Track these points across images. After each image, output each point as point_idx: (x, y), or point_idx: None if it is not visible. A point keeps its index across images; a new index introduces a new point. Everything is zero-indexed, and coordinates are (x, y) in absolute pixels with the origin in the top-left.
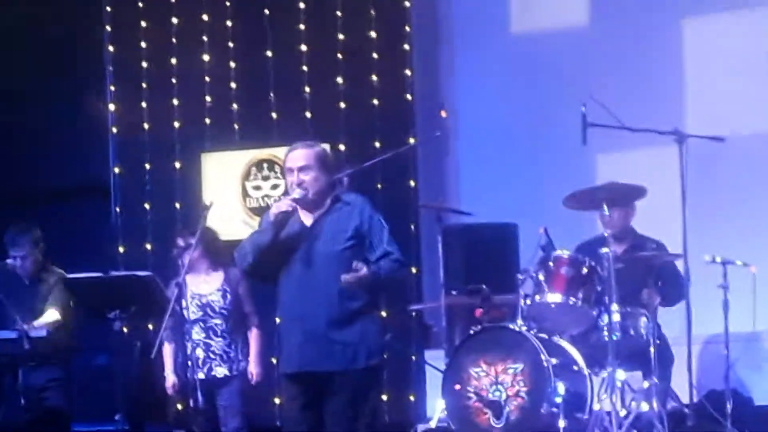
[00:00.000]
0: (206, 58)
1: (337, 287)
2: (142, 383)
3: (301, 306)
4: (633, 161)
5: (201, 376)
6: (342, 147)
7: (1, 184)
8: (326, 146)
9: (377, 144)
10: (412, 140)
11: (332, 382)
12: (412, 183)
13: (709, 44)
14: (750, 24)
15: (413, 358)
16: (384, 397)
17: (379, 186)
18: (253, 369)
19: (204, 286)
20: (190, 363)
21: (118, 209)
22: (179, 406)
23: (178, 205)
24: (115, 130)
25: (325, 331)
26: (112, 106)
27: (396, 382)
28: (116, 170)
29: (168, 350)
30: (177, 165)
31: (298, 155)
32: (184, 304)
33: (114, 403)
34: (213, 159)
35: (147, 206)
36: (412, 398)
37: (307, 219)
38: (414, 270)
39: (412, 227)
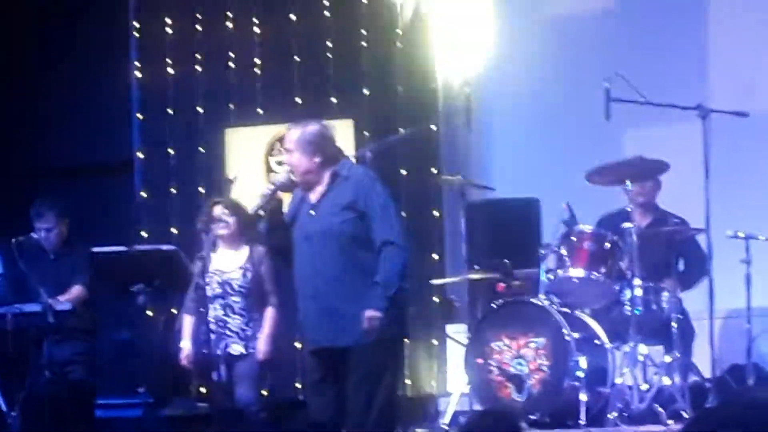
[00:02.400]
0: (231, 31)
1: (342, 263)
2: (165, 357)
3: (312, 284)
4: (657, 137)
5: (218, 352)
6: (365, 122)
7: (26, 159)
8: (345, 122)
9: (400, 119)
10: (435, 117)
11: (349, 356)
12: (435, 158)
13: (733, 21)
14: None
15: (435, 332)
16: (406, 371)
17: (402, 161)
18: (261, 347)
19: (227, 263)
20: (213, 337)
21: (142, 185)
22: (201, 381)
23: (201, 180)
24: (139, 104)
25: (336, 307)
26: (136, 81)
27: (418, 356)
28: (140, 145)
29: (187, 322)
30: (201, 140)
31: (285, 138)
32: (207, 279)
33: (137, 377)
34: (237, 134)
35: (171, 181)
36: (434, 372)
37: (314, 197)
38: (437, 242)
39: (435, 202)
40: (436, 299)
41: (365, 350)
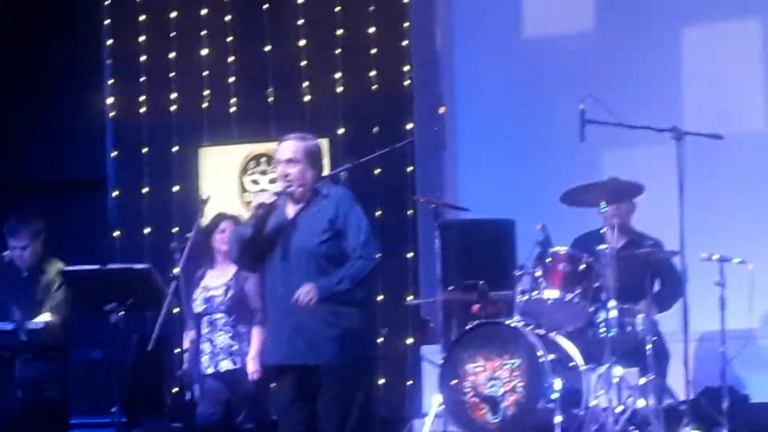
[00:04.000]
0: (205, 52)
1: (316, 281)
2: (139, 376)
3: (285, 300)
4: (633, 159)
5: (211, 370)
6: (339, 142)
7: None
8: (322, 141)
9: (375, 138)
10: (410, 137)
11: (320, 375)
12: (409, 178)
13: (707, 44)
14: (743, 30)
15: (409, 352)
16: (380, 392)
17: (376, 181)
18: (251, 367)
19: (214, 280)
20: (203, 354)
21: (115, 202)
22: (175, 398)
23: (175, 199)
24: (113, 122)
25: (310, 325)
26: (110, 99)
27: (392, 377)
28: (114, 162)
29: (187, 338)
30: (175, 159)
31: (287, 147)
32: (194, 296)
33: (111, 396)
34: (211, 153)
35: (144, 200)
36: (408, 393)
37: (291, 212)
38: (411, 263)
39: (409, 223)
40: (410, 320)
41: (337, 369)
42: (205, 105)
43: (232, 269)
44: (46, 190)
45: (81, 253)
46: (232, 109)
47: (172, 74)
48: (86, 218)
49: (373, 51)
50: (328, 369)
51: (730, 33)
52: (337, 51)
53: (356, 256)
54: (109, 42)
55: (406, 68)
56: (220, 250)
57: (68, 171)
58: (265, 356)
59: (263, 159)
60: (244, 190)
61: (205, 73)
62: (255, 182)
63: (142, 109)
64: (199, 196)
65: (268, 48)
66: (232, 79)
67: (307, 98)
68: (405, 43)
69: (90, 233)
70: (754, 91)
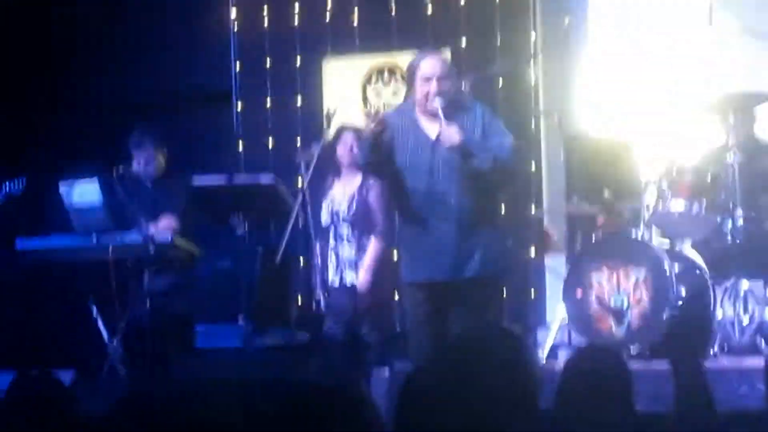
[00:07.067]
0: None
1: (463, 196)
2: (265, 288)
3: (428, 215)
4: None
5: (336, 283)
6: (462, 51)
7: (122, 90)
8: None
9: (498, 43)
10: (532, 48)
11: (458, 290)
12: (532, 88)
13: None
14: None
15: (533, 263)
16: (505, 303)
17: (498, 93)
18: (361, 276)
19: (340, 192)
20: (328, 266)
21: (239, 110)
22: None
23: (299, 111)
24: (237, 36)
25: (452, 241)
26: (233, 11)
27: (515, 287)
28: (238, 72)
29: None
30: (298, 71)
31: (437, 64)
32: (324, 207)
33: (237, 306)
34: (333, 65)
35: (268, 108)
36: (531, 304)
37: (430, 129)
38: (535, 175)
39: (533, 132)
40: (534, 231)
41: (474, 284)
42: (328, 16)
43: (357, 180)
44: (170, 104)
45: (207, 164)
46: (355, 20)
47: None
48: (211, 129)
49: None
50: (466, 284)
51: None
52: None
53: (507, 147)
54: None
55: None
56: (343, 161)
57: (192, 84)
58: (406, 272)
59: (386, 70)
60: (366, 101)
61: None
62: (378, 94)
63: (266, 20)
64: (325, 110)
65: None
66: None
67: (429, 8)
68: None
69: (216, 144)
70: None
